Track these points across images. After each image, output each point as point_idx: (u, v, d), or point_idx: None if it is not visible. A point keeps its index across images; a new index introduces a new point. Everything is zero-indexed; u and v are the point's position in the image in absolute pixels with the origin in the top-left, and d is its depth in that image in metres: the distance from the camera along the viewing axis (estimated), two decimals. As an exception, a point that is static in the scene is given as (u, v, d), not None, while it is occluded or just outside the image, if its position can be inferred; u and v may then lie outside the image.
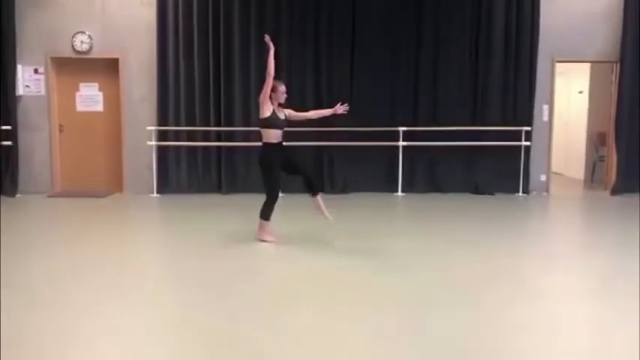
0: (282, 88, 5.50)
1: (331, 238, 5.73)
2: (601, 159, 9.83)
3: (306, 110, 6.29)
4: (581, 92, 10.85)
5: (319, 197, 5.64)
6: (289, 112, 5.69)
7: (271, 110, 5.44)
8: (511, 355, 3.12)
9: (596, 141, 10.20)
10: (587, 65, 10.17)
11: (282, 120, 5.53)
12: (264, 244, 5.53)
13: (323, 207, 5.63)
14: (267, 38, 5.57)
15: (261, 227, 5.62)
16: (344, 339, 3.31)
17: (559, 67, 10.14)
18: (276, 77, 5.51)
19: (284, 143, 5.59)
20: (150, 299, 4.02)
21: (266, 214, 5.58)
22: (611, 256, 5.30)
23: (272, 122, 5.45)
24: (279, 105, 5.55)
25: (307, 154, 8.67)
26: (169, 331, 3.45)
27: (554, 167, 11.84)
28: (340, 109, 5.72)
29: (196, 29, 8.55)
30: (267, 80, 5.38)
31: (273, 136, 5.49)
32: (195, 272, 4.72)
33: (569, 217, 7.75)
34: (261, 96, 5.44)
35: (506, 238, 5.98)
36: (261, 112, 5.48)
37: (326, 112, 5.90)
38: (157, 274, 4.80)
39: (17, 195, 8.50)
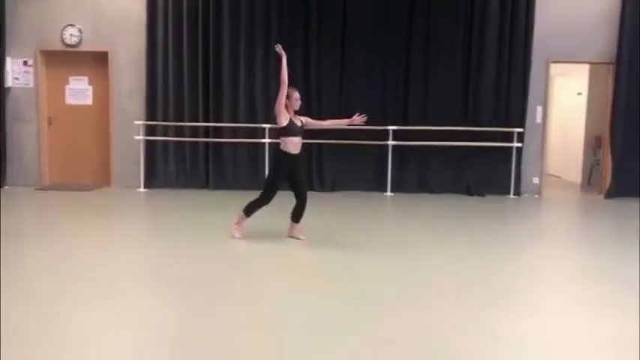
0: (296, 94, 5.43)
1: (313, 236, 5.65)
2: (598, 162, 9.65)
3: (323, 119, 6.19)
4: (579, 94, 10.66)
5: (299, 225, 5.59)
6: (306, 120, 5.62)
7: (288, 119, 5.36)
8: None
9: (593, 144, 10.02)
10: (587, 66, 9.99)
11: (300, 127, 5.45)
12: (242, 241, 5.49)
13: (299, 233, 5.56)
14: (278, 47, 5.47)
15: (237, 221, 5.58)
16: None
17: (559, 67, 9.99)
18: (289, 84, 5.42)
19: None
20: (124, 292, 3.97)
21: (250, 210, 5.54)
22: (588, 259, 5.18)
23: (290, 130, 5.36)
24: (295, 112, 5.47)
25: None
26: (143, 324, 3.39)
27: (553, 170, 11.71)
28: (357, 119, 5.63)
29: (186, 24, 8.49)
30: (281, 88, 5.32)
31: (292, 145, 5.38)
32: (171, 268, 4.67)
33: (556, 220, 7.60)
34: (277, 105, 5.36)
35: (488, 240, 5.85)
36: (278, 121, 5.39)
37: (343, 121, 5.79)
38: (134, 269, 4.73)
39: (5, 187, 8.50)
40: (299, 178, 5.56)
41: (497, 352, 3.15)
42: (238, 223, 5.58)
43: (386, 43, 8.59)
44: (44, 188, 8.56)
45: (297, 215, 5.58)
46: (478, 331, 3.42)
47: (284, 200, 5.59)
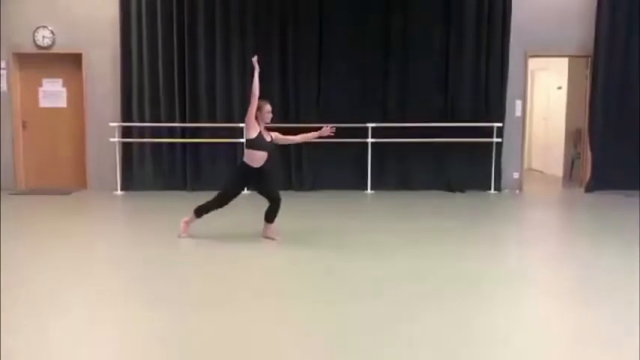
0: (268, 107, 5.37)
1: (288, 236, 5.57)
2: (579, 156, 9.64)
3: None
4: (559, 88, 10.66)
5: (273, 225, 5.53)
6: (276, 135, 5.55)
7: (257, 131, 5.30)
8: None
9: (574, 137, 10.01)
10: (567, 60, 9.99)
11: (268, 142, 5.39)
12: (215, 240, 5.40)
13: (273, 233, 5.51)
14: (255, 59, 5.40)
15: (187, 220, 5.54)
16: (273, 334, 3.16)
17: (539, 62, 10.00)
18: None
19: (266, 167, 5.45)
20: (91, 294, 3.88)
21: (201, 211, 5.51)
22: (564, 254, 5.15)
23: (257, 144, 5.31)
24: (265, 126, 5.41)
25: (275, 151, 8.49)
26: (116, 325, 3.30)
27: (535, 164, 11.72)
28: (326, 131, 5.60)
29: (160, 24, 8.40)
30: (252, 101, 5.27)
31: (256, 158, 5.34)
32: (140, 268, 4.58)
33: (535, 214, 7.55)
34: (247, 117, 5.29)
35: (464, 235, 5.80)
36: (246, 133, 5.35)
37: (312, 135, 5.71)
38: (104, 271, 4.63)
39: (-21, 192, 8.37)
40: (266, 187, 5.49)
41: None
42: (187, 223, 5.55)
43: (363, 40, 8.52)
44: (20, 193, 8.43)
45: (270, 216, 5.51)
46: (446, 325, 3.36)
47: (262, 202, 5.55)
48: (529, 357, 2.99)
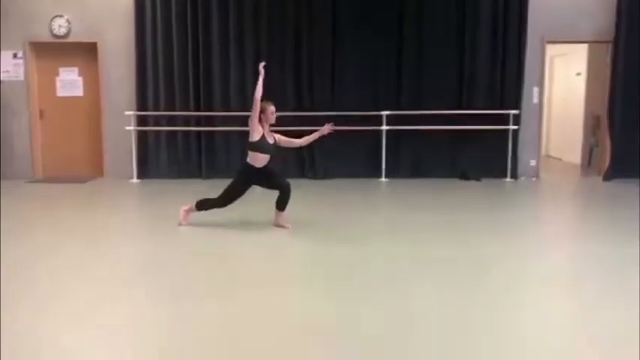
0: (272, 108, 5.39)
1: (307, 224, 5.57)
2: (597, 143, 9.48)
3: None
4: (579, 74, 10.47)
5: (285, 213, 5.55)
6: (279, 138, 5.57)
7: (260, 134, 5.34)
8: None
9: (593, 125, 9.84)
10: (586, 46, 9.80)
11: (271, 145, 5.43)
12: (228, 229, 5.43)
13: (285, 221, 5.53)
14: (262, 65, 5.46)
15: (187, 209, 5.60)
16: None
17: (558, 48, 9.82)
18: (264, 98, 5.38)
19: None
20: (104, 280, 3.93)
21: (203, 206, 5.57)
22: (579, 245, 5.08)
23: (260, 147, 5.36)
24: (270, 127, 5.44)
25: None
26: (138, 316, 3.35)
27: (553, 152, 11.56)
28: (327, 129, 5.64)
29: (174, 13, 8.39)
30: (254, 105, 5.29)
31: (259, 160, 5.40)
32: (149, 257, 4.62)
33: (551, 203, 7.45)
34: (250, 120, 5.34)
35: (480, 224, 5.74)
36: (250, 135, 5.37)
37: (314, 137, 5.71)
38: (118, 258, 4.69)
39: (-2, 181, 8.51)
40: (273, 180, 5.53)
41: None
42: (186, 212, 5.61)
43: (377, 27, 8.45)
44: (37, 181, 8.54)
45: (281, 204, 5.53)
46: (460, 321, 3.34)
47: (273, 191, 5.57)
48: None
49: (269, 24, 8.44)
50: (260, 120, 5.35)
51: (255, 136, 5.35)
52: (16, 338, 3.07)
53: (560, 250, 4.97)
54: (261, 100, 5.32)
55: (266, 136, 5.40)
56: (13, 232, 5.46)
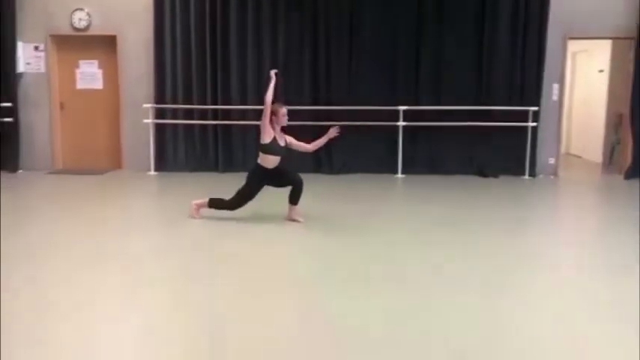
0: (283, 110, 5.41)
1: (313, 219, 5.58)
2: (619, 141, 9.32)
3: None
4: (601, 71, 10.29)
5: (298, 207, 5.57)
6: (290, 140, 5.59)
7: (272, 137, 5.36)
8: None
9: (615, 122, 9.68)
10: (609, 42, 9.63)
11: (282, 147, 5.46)
12: (242, 222, 5.47)
13: (298, 216, 5.54)
14: (273, 72, 5.50)
15: (200, 204, 5.62)
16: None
17: (580, 44, 9.66)
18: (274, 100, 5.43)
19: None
20: (119, 271, 3.98)
21: (214, 204, 5.60)
22: (596, 246, 5.00)
23: (271, 149, 5.39)
24: (282, 129, 5.47)
25: (304, 133, 8.49)
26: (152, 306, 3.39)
27: (573, 149, 11.40)
28: (333, 132, 5.65)
29: (193, 6, 8.43)
30: (265, 110, 5.31)
31: (270, 161, 5.44)
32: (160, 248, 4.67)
33: (569, 201, 7.36)
34: (261, 123, 5.36)
35: (496, 225, 5.67)
36: (261, 137, 5.39)
37: (322, 141, 5.71)
38: (134, 249, 4.74)
39: (19, 171, 8.64)
40: (285, 179, 5.54)
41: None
42: (198, 206, 5.64)
43: (396, 22, 8.39)
44: (56, 172, 8.66)
45: (294, 198, 5.55)
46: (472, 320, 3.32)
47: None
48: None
49: (286, 19, 8.42)
50: (271, 122, 5.35)
51: (266, 139, 5.36)
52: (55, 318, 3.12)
53: (580, 251, 4.90)
54: (273, 103, 5.32)
55: (277, 138, 5.41)
56: (34, 221, 5.55)
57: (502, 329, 3.17)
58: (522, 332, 3.11)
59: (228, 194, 5.61)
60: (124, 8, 8.54)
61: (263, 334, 3.07)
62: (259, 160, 5.47)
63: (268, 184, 5.56)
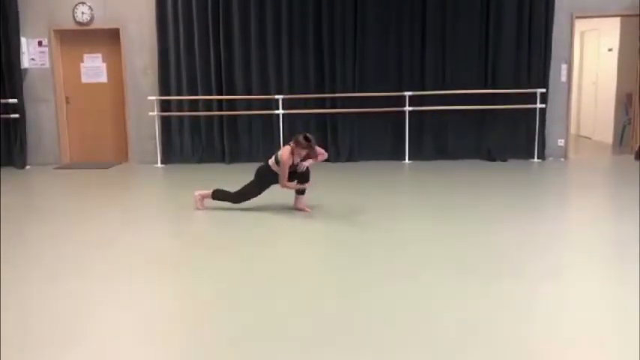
0: (299, 149, 5.26)
1: (320, 208, 5.55)
2: (629, 122, 9.19)
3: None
4: (610, 50, 10.13)
5: (304, 197, 5.55)
6: (309, 163, 5.41)
7: (291, 162, 5.30)
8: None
9: (625, 102, 9.54)
10: (618, 20, 9.46)
11: (295, 164, 5.37)
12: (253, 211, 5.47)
13: (305, 205, 5.52)
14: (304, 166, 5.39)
15: (203, 195, 5.61)
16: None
17: (589, 23, 9.49)
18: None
19: None
20: (119, 266, 3.98)
21: (217, 196, 5.58)
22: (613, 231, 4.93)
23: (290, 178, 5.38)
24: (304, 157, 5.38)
25: (310, 122, 8.48)
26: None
27: (583, 131, 11.27)
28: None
29: (195, -2, 8.38)
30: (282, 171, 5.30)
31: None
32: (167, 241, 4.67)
33: (579, 183, 7.26)
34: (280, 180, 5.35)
35: (504, 211, 5.60)
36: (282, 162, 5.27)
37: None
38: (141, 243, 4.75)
39: (27, 167, 8.67)
40: (290, 176, 5.45)
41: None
42: (202, 197, 5.62)
43: (401, 5, 8.29)
44: (64, 167, 8.68)
45: (302, 189, 5.52)
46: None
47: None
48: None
49: (290, 7, 8.35)
50: (292, 152, 5.27)
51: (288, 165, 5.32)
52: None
53: (593, 232, 4.84)
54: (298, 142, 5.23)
55: (295, 161, 5.32)
56: (44, 216, 5.57)
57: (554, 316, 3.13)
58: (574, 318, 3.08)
59: (235, 185, 5.59)
60: (126, 1, 8.50)
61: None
62: (270, 163, 5.40)
63: (275, 183, 5.49)
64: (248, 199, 5.54)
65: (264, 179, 5.47)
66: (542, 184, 7.08)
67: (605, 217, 5.44)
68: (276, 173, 5.39)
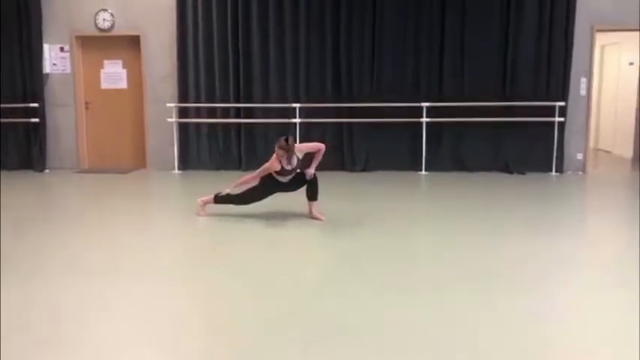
0: (280, 152, 5.27)
1: (334, 218, 5.54)
2: (650, 136, 9.09)
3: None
4: (631, 64, 10.03)
5: (318, 203, 5.56)
6: (301, 151, 5.44)
7: (278, 168, 5.35)
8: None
9: (646, 116, 9.43)
10: (639, 34, 9.36)
11: (291, 169, 5.40)
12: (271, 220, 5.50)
13: (318, 213, 5.53)
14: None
15: (205, 200, 5.64)
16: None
17: (609, 37, 9.42)
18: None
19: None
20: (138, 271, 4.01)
21: (220, 200, 5.60)
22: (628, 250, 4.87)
23: (280, 174, 5.41)
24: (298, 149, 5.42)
25: (327, 131, 8.48)
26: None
27: (602, 145, 11.16)
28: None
29: (215, 5, 8.43)
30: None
31: (280, 178, 5.48)
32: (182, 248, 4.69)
33: (597, 198, 7.18)
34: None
35: (521, 226, 5.56)
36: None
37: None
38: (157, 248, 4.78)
39: (46, 170, 8.78)
40: (297, 184, 5.52)
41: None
42: (204, 203, 5.66)
43: (419, 16, 8.28)
44: (82, 171, 8.77)
45: (311, 194, 5.55)
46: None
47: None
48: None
49: (308, 18, 8.38)
50: (278, 157, 5.30)
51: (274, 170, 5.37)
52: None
53: (610, 249, 4.78)
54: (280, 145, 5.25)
55: (284, 165, 5.34)
56: (65, 219, 5.63)
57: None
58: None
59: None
60: (147, 8, 8.60)
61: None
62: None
63: (281, 191, 5.54)
64: (251, 201, 5.56)
65: (269, 187, 5.51)
66: (560, 197, 7.01)
67: (623, 232, 5.36)
68: (279, 181, 5.43)
